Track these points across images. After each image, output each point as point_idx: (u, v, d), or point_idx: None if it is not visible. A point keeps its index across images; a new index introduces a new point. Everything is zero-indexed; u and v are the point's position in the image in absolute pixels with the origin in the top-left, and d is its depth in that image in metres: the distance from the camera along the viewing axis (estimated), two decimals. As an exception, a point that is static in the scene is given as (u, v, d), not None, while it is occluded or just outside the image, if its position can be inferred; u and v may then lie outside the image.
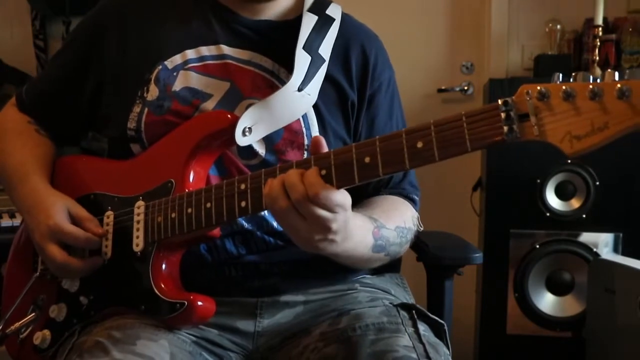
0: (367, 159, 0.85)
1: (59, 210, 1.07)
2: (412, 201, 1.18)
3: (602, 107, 0.70)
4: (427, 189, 1.21)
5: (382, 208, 1.09)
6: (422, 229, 1.17)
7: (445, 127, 0.80)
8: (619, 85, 0.69)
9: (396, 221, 1.08)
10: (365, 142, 0.86)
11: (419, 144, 0.82)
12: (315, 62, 1.08)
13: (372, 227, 1.01)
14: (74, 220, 1.08)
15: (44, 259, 1.10)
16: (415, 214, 1.16)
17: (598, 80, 0.72)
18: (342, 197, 0.87)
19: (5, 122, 1.25)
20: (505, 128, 0.76)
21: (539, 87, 0.74)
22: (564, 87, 0.72)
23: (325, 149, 0.89)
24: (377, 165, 0.84)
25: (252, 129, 1.01)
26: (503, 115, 0.76)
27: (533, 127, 0.75)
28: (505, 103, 0.76)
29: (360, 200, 1.11)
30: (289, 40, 1.09)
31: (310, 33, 1.10)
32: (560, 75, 0.75)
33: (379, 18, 1.48)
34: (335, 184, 0.86)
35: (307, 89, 1.06)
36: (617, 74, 0.71)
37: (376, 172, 0.85)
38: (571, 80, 0.74)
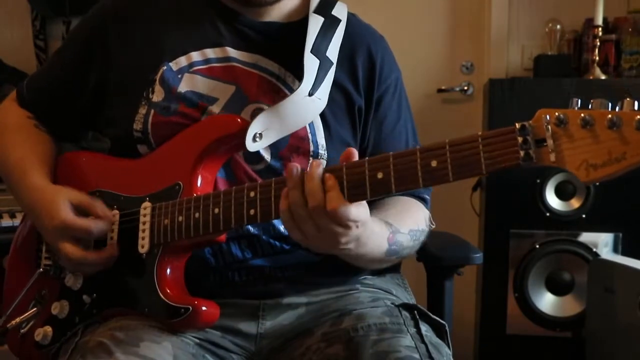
0: (379, 175, 0.84)
1: (60, 206, 1.05)
2: (423, 201, 1.16)
3: (621, 137, 0.69)
4: (427, 189, 1.21)
5: (397, 209, 1.08)
6: (434, 226, 1.16)
7: (461, 147, 0.79)
8: (638, 117, 0.68)
9: (409, 224, 1.07)
10: (378, 158, 0.85)
11: (434, 163, 0.81)
12: (324, 65, 1.07)
13: (387, 233, 1.00)
14: (79, 210, 1.06)
15: (59, 260, 1.09)
16: (427, 214, 1.15)
17: (617, 109, 0.71)
18: (357, 211, 0.86)
19: (5, 116, 1.24)
20: (522, 152, 0.75)
21: (557, 113, 0.73)
22: (582, 114, 0.71)
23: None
24: (390, 182, 0.83)
25: (262, 134, 1.00)
26: (520, 139, 0.75)
27: (550, 153, 0.74)
28: (522, 127, 0.75)
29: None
30: (295, 43, 1.09)
31: (317, 36, 1.09)
32: (579, 100, 0.74)
33: (379, 18, 1.48)
34: (347, 198, 0.85)
35: (317, 94, 1.05)
36: (636, 103, 0.70)
37: (389, 189, 0.84)
38: (589, 106, 0.73)
